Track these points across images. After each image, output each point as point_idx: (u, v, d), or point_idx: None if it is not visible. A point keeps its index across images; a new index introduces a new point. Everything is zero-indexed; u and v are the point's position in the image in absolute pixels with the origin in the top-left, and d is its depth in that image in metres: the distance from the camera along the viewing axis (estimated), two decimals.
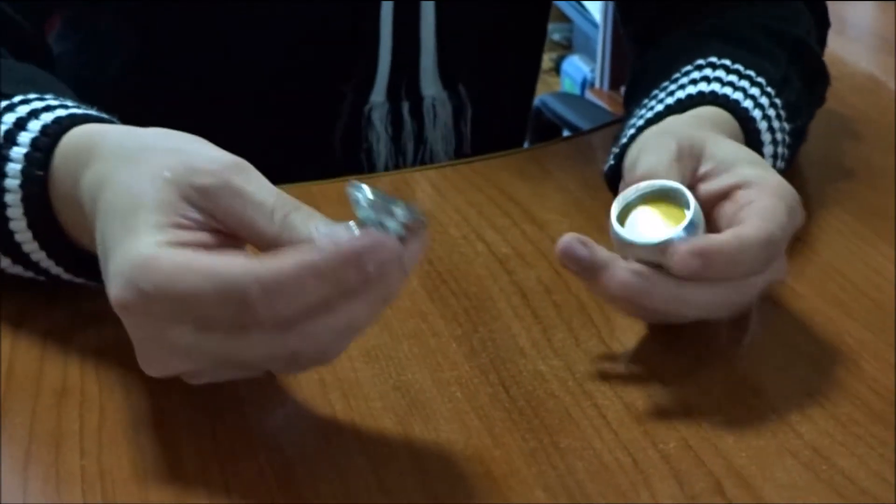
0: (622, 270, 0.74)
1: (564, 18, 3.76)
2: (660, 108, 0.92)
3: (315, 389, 0.74)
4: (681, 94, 0.93)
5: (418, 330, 0.82)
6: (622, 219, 0.78)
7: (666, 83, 0.96)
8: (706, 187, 0.80)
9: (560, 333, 0.82)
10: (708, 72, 0.95)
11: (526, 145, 1.40)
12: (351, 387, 0.75)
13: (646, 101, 0.96)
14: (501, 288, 0.87)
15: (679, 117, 0.89)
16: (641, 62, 1.12)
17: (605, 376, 0.77)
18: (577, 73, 3.56)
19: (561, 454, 0.70)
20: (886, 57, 1.45)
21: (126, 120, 0.79)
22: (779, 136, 0.94)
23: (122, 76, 1.12)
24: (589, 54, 3.60)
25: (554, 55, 3.86)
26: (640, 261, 0.75)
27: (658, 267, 0.74)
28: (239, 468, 0.68)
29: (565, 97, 1.99)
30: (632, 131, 0.92)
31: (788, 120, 0.96)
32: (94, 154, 0.73)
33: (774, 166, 0.93)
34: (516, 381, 0.77)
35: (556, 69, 3.76)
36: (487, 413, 0.73)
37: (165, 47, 1.10)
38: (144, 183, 0.68)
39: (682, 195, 0.77)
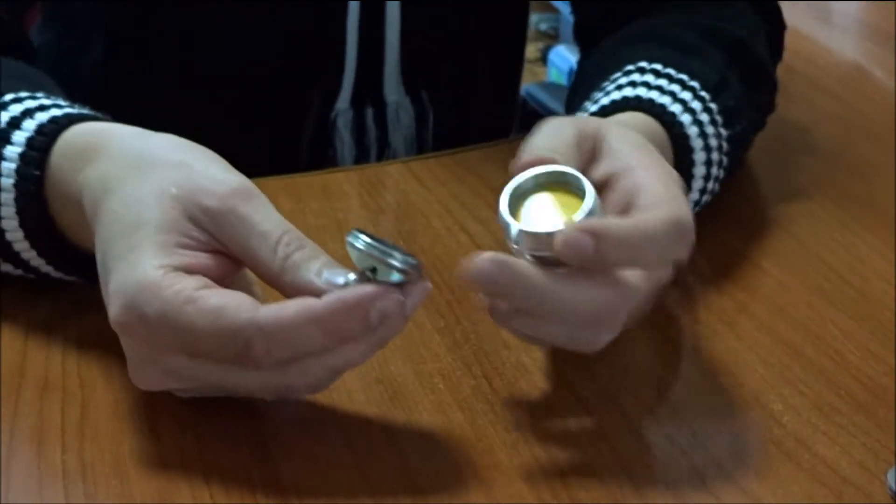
0: (480, 257, 0.66)
1: (551, 9, 3.75)
2: (594, 108, 0.88)
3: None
4: (605, 101, 0.88)
5: None
6: (514, 209, 0.70)
7: (594, 93, 0.92)
8: (593, 173, 0.74)
9: None
10: (636, 77, 0.91)
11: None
12: None
13: (585, 103, 0.92)
14: None
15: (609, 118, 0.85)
16: (579, 67, 1.11)
17: (587, 367, 0.77)
18: (564, 62, 3.55)
19: (543, 446, 0.70)
20: (872, 46, 1.45)
21: (105, 111, 0.79)
22: (713, 141, 0.89)
23: (96, 72, 1.12)
24: (576, 44, 3.58)
25: (541, 45, 3.85)
26: (535, 256, 0.68)
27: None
28: (221, 462, 0.68)
29: (551, 87, 1.99)
30: None
31: (726, 126, 0.91)
32: (99, 152, 0.72)
33: (709, 173, 0.89)
34: (499, 373, 0.76)
35: (543, 59, 3.76)
36: (470, 405, 0.73)
37: (134, 49, 1.10)
38: (150, 198, 0.68)
39: (579, 182, 0.69)
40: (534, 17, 4.23)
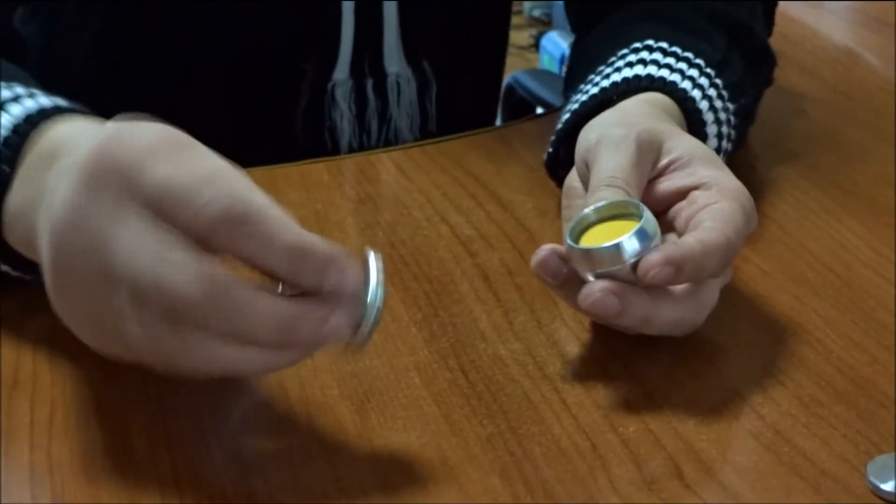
0: (597, 289, 0.72)
1: None
2: (595, 90, 0.91)
3: (270, 377, 0.73)
4: (616, 77, 0.91)
5: None
6: (578, 238, 0.76)
7: (602, 67, 0.95)
8: (663, 185, 0.80)
9: (521, 316, 0.81)
10: (644, 55, 0.93)
11: (498, 123, 1.39)
12: (308, 374, 0.74)
13: (582, 86, 0.95)
14: (464, 271, 0.86)
15: (632, 104, 0.88)
16: (579, 46, 1.11)
17: (565, 360, 0.77)
18: (556, 49, 3.54)
19: (518, 439, 0.69)
20: (862, 30, 1.44)
21: (90, 104, 0.78)
22: (722, 115, 0.93)
23: (86, 60, 1.11)
24: (568, 30, 3.58)
25: (533, 31, 3.85)
26: (601, 277, 0.73)
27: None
28: (191, 460, 0.67)
29: (539, 74, 1.97)
30: (566, 116, 0.91)
31: (732, 100, 0.94)
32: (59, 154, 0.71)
33: (720, 147, 0.92)
34: (475, 365, 0.76)
35: (536, 45, 3.75)
36: (445, 399, 0.72)
37: (125, 28, 1.09)
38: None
39: (638, 209, 0.75)
40: (526, 4, 4.23)
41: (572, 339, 0.79)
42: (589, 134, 0.83)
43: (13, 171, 0.72)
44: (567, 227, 0.76)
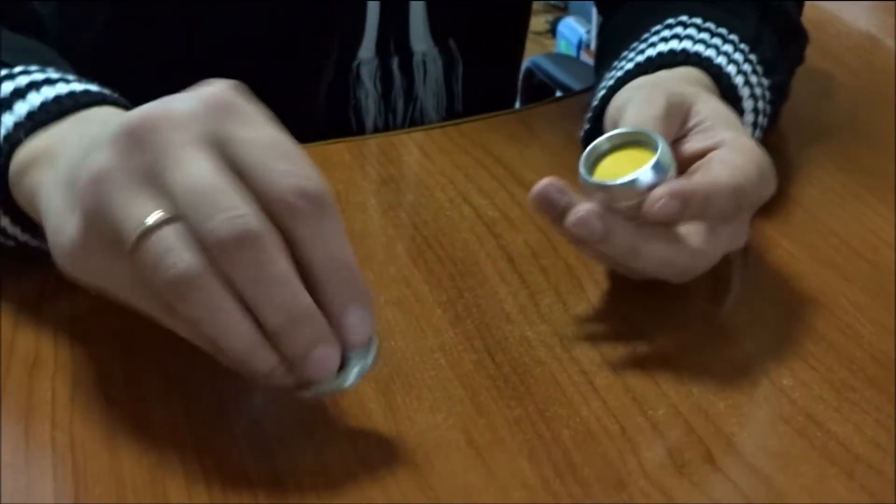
0: (583, 209, 0.72)
1: None
2: (630, 66, 0.90)
3: None
4: (651, 52, 0.91)
5: (402, 296, 0.80)
6: (592, 169, 0.76)
7: (636, 44, 0.95)
8: (685, 147, 0.79)
9: (547, 298, 0.80)
10: (679, 30, 0.93)
11: (517, 107, 1.38)
12: None
13: (616, 62, 0.94)
14: (488, 252, 0.85)
15: (668, 73, 0.87)
16: (610, 25, 1.10)
17: (593, 342, 0.76)
18: (573, 34, 3.54)
19: (547, 422, 0.68)
20: (885, 16, 1.43)
21: (108, 84, 0.77)
22: (758, 90, 0.92)
23: (102, 38, 1.10)
24: (584, 15, 3.58)
25: (550, 17, 3.83)
26: (615, 208, 0.73)
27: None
28: (212, 438, 0.66)
29: (558, 58, 1.96)
30: (603, 92, 0.90)
31: (766, 75, 0.94)
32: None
33: (756, 122, 0.92)
34: (502, 347, 0.75)
35: (552, 31, 3.74)
36: (472, 381, 0.71)
37: (144, 4, 1.08)
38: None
39: (652, 139, 0.75)
40: None
41: (599, 321, 0.78)
42: (619, 98, 0.83)
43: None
44: (581, 160, 0.76)
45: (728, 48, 0.91)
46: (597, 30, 1.23)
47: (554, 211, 0.74)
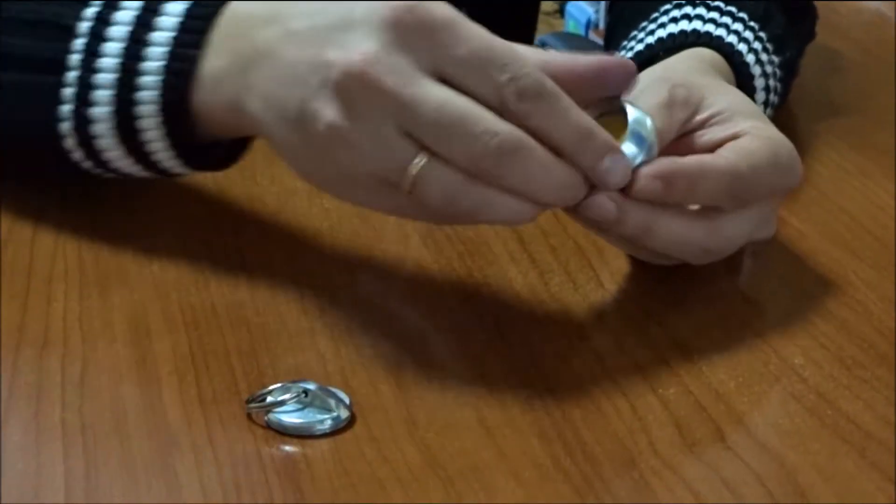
0: (595, 194, 0.71)
1: None
2: (640, 47, 0.90)
3: (304, 336, 0.73)
4: (662, 33, 0.90)
5: (412, 276, 0.80)
6: None
7: (646, 23, 0.94)
8: (703, 139, 0.78)
9: (557, 277, 0.80)
10: (688, 10, 0.92)
11: None
12: (341, 334, 0.73)
13: (625, 42, 0.94)
14: (497, 232, 0.85)
15: (678, 60, 0.87)
16: (619, 5, 1.09)
17: (603, 321, 0.75)
18: (582, 14, 3.52)
19: (557, 401, 0.68)
20: None
21: None
22: (769, 68, 0.91)
23: None
24: None
25: None
26: None
27: None
28: (224, 422, 0.66)
29: (567, 36, 1.94)
30: None
31: (776, 52, 0.93)
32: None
33: (767, 100, 0.91)
34: (512, 326, 0.74)
35: (561, 11, 3.73)
36: (482, 360, 0.71)
37: None
38: None
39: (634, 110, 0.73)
40: None
41: (609, 301, 0.78)
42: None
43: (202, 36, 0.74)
44: None
45: (738, 26, 0.90)
46: (606, 7, 1.23)
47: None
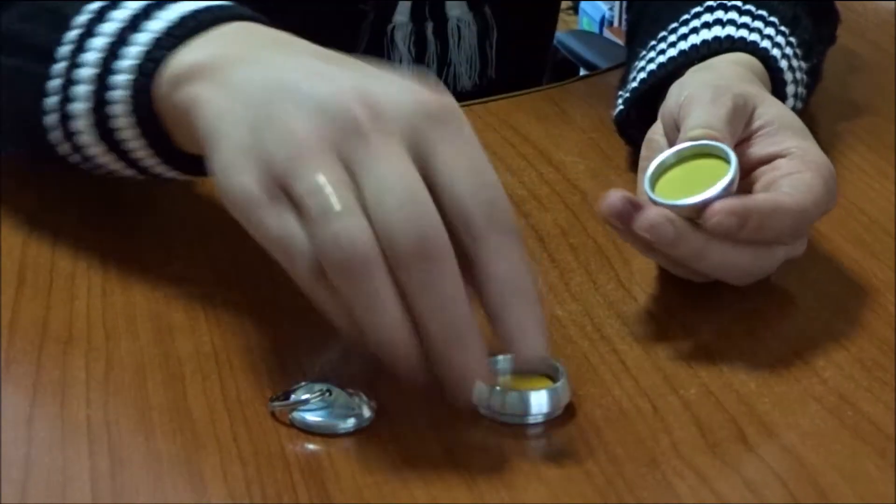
0: (655, 213, 0.72)
1: None
2: (674, 53, 0.90)
3: (327, 335, 0.73)
4: (695, 40, 0.90)
5: None
6: (656, 178, 0.76)
7: (675, 24, 0.94)
8: (749, 151, 0.78)
9: (577, 277, 0.80)
10: (720, 14, 0.92)
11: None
12: None
13: (654, 42, 0.94)
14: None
15: (724, 65, 0.87)
16: (640, 2, 1.09)
17: (624, 321, 0.76)
18: (596, 12, 3.52)
19: (579, 401, 0.68)
20: None
21: None
22: (798, 75, 0.92)
23: None
24: None
25: None
26: None
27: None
28: (250, 421, 0.66)
29: (581, 35, 1.96)
30: (643, 76, 0.90)
31: (804, 58, 0.93)
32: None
33: (794, 106, 0.91)
34: None
35: (575, 8, 3.73)
36: None
37: None
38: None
39: (724, 153, 0.74)
40: None
41: (629, 301, 0.78)
42: (681, 91, 0.82)
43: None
44: (646, 175, 0.76)
45: (770, 31, 0.91)
46: (625, 4, 1.23)
47: (625, 224, 0.73)
